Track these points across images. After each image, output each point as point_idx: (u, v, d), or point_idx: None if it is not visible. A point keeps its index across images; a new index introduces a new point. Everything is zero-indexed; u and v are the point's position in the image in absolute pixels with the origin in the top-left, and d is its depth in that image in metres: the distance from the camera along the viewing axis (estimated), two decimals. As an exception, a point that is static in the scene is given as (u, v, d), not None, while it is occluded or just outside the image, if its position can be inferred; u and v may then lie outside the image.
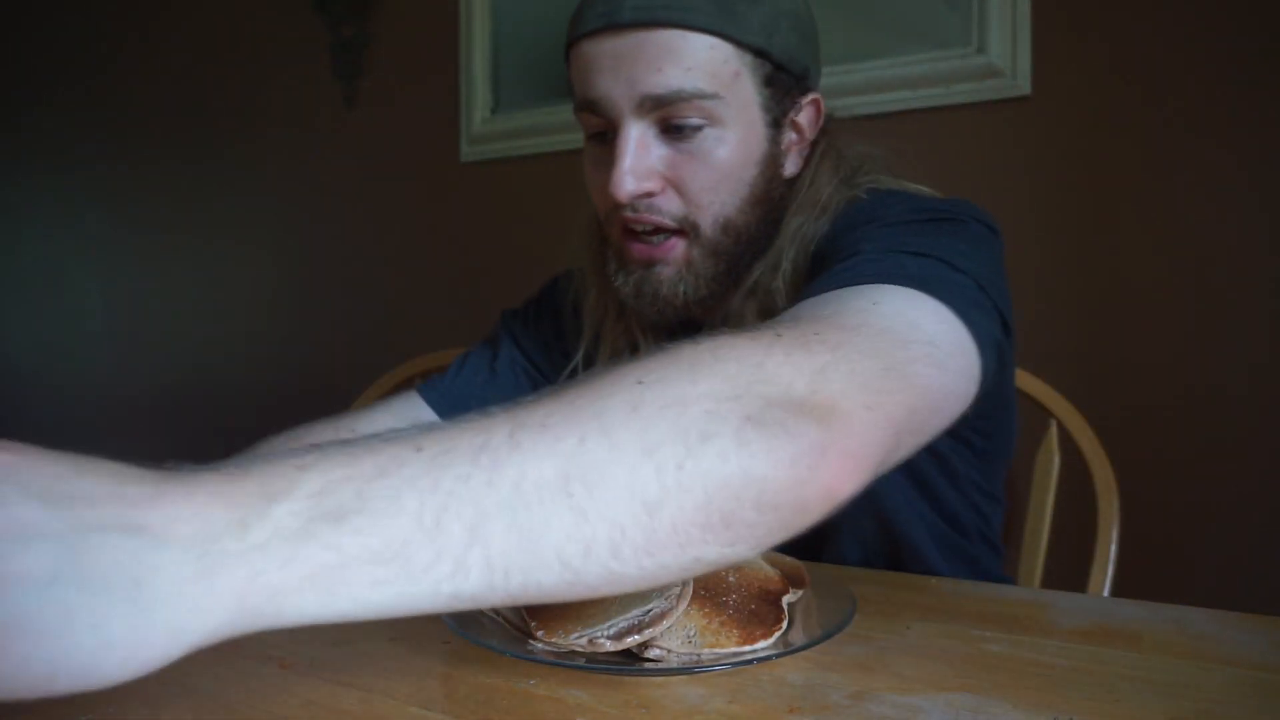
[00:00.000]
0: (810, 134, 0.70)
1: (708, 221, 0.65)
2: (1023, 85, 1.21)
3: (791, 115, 0.68)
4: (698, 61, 0.61)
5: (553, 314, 0.84)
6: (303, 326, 2.02)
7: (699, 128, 0.62)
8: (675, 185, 0.64)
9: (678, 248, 0.66)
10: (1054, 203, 1.21)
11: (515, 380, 0.83)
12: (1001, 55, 1.22)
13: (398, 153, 1.84)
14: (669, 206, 0.65)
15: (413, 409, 0.82)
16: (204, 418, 2.20)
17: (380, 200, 1.87)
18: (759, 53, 0.63)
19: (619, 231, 0.67)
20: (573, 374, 0.78)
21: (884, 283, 0.49)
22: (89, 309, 2.44)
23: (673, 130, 0.63)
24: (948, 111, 1.27)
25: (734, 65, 0.62)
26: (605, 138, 0.66)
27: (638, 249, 0.67)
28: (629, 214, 0.65)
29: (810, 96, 0.69)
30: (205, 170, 2.17)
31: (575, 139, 1.60)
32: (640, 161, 0.63)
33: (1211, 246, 1.13)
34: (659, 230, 0.66)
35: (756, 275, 0.68)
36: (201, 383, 2.21)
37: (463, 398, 0.81)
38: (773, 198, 0.68)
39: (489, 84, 1.69)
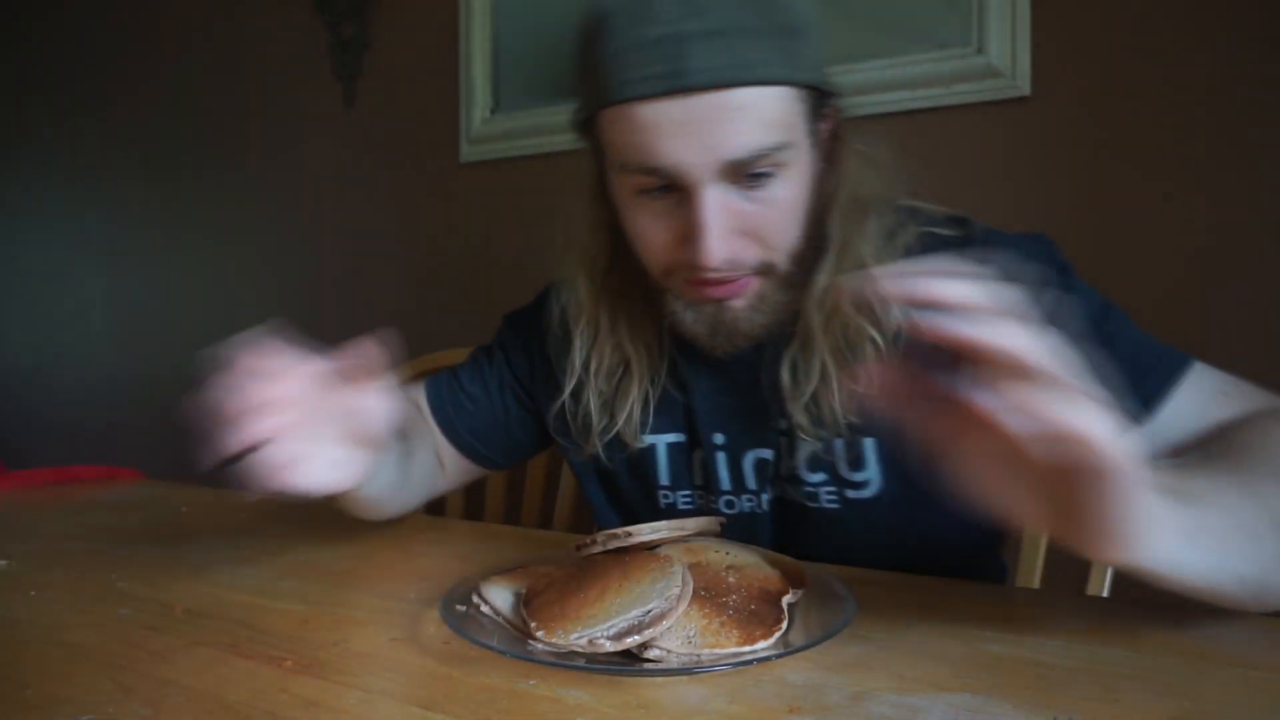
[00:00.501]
0: (826, 133, 0.69)
1: (781, 258, 0.65)
2: (1022, 85, 1.21)
3: (822, 129, 0.67)
4: (772, 116, 0.59)
5: (541, 329, 0.83)
6: (302, 326, 2.01)
7: (771, 176, 0.61)
8: (753, 235, 0.63)
9: (752, 284, 0.65)
10: (1053, 203, 1.21)
11: (504, 403, 0.84)
12: (1001, 55, 1.22)
13: (398, 153, 1.84)
14: (747, 257, 0.63)
15: (417, 393, 0.86)
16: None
17: (380, 200, 1.87)
18: (811, 87, 0.62)
19: (683, 281, 0.66)
20: (574, 394, 0.77)
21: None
22: (91, 308, 2.45)
23: (748, 183, 0.61)
24: (947, 112, 1.27)
25: (796, 108, 0.61)
26: (661, 190, 0.63)
27: (711, 291, 0.65)
28: (711, 275, 0.63)
29: (831, 104, 0.68)
30: (205, 170, 2.17)
31: (574, 139, 1.60)
32: (725, 222, 0.61)
33: (1211, 246, 1.13)
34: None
35: (825, 281, 0.67)
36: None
37: (456, 408, 0.84)
38: (817, 209, 0.67)
39: (489, 84, 1.69)
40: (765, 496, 0.73)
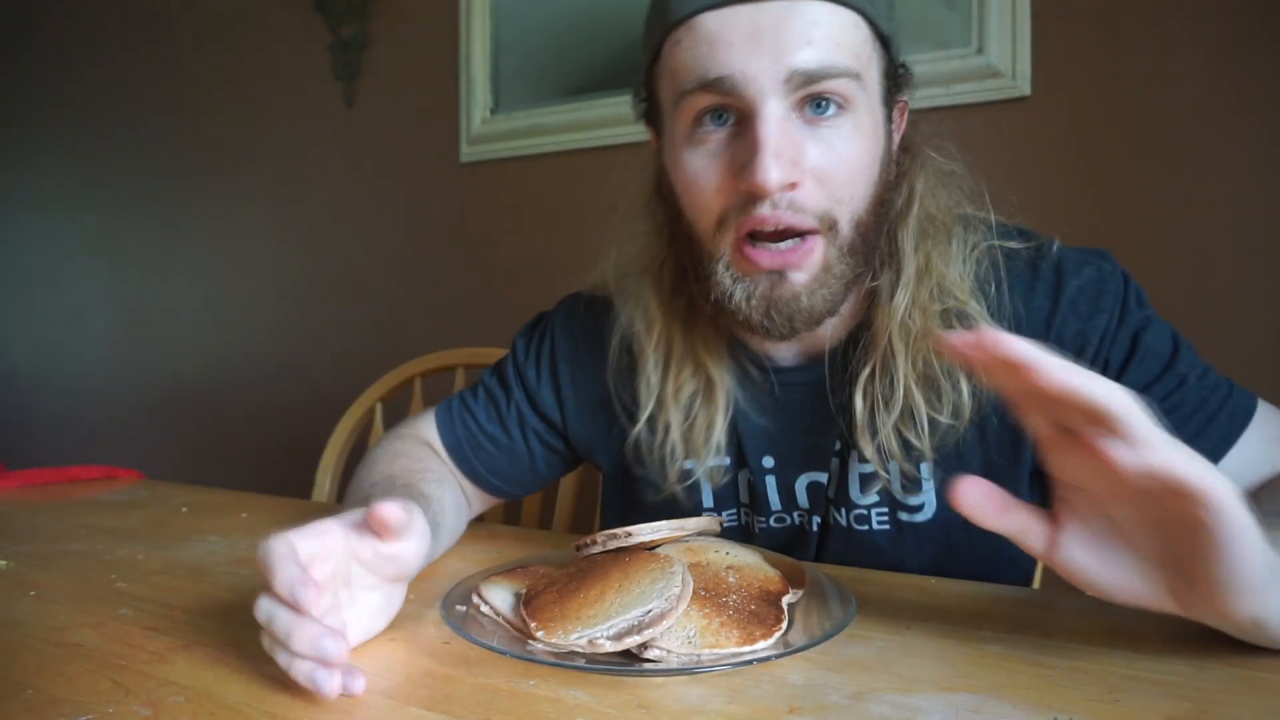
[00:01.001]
0: (898, 137, 0.65)
1: (846, 218, 0.59)
2: (1022, 86, 1.22)
3: (895, 116, 0.63)
4: (845, 37, 0.56)
5: (576, 354, 0.78)
6: (302, 326, 2.02)
7: (839, 112, 0.57)
8: (816, 176, 0.57)
9: (815, 250, 0.58)
10: (1053, 204, 1.21)
11: (527, 444, 0.79)
12: (1001, 56, 1.22)
13: (398, 153, 1.84)
14: (811, 201, 0.57)
15: (427, 429, 0.80)
16: (204, 417, 2.20)
17: (380, 200, 1.88)
18: (884, 41, 0.59)
19: (737, 238, 0.59)
20: (649, 422, 0.70)
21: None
22: (89, 308, 2.45)
23: (811, 115, 0.56)
24: (946, 112, 1.27)
25: (870, 48, 0.58)
26: (719, 120, 0.58)
27: (766, 257, 0.58)
28: (765, 212, 0.56)
29: (903, 98, 0.64)
30: (205, 170, 2.17)
31: (574, 139, 1.60)
32: (786, 147, 0.55)
33: (1211, 247, 1.13)
34: (789, 234, 0.58)
35: (906, 303, 0.63)
36: (201, 382, 2.21)
37: (475, 448, 0.79)
38: (885, 202, 0.62)
39: (489, 84, 1.70)
40: (816, 518, 0.70)
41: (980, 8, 1.23)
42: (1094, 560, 0.42)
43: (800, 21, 0.55)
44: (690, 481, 0.71)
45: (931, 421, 0.62)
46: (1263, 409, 0.61)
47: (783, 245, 0.58)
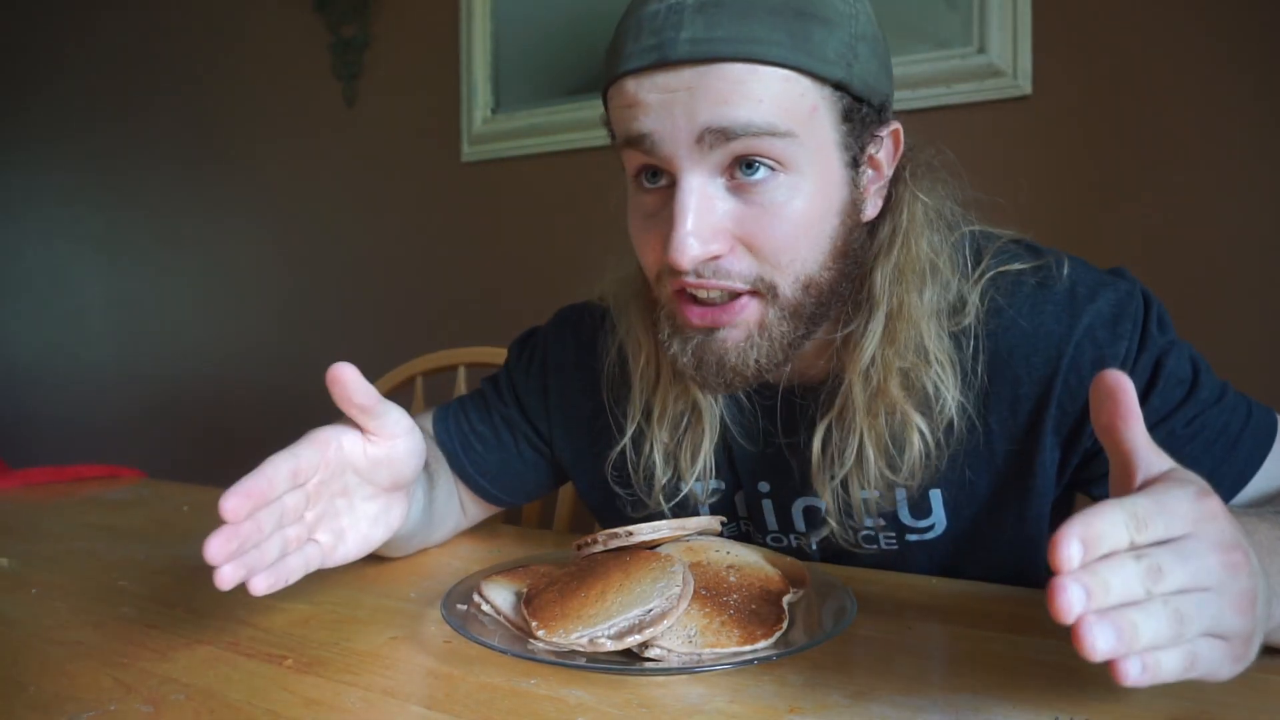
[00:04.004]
0: (888, 170, 0.61)
1: (787, 282, 0.56)
2: (1023, 85, 1.22)
3: (870, 151, 0.59)
4: (769, 94, 0.52)
5: (565, 368, 0.77)
6: (302, 326, 2.02)
7: (771, 174, 0.54)
8: (746, 244, 0.55)
9: (749, 308, 0.57)
10: (1053, 203, 1.21)
11: (517, 448, 0.78)
12: (1002, 55, 1.22)
13: (398, 153, 1.84)
14: (738, 269, 0.55)
15: (425, 426, 0.79)
16: (204, 417, 2.20)
17: (381, 200, 1.88)
18: (837, 85, 0.54)
19: (672, 294, 0.58)
20: (635, 440, 0.69)
21: None
22: (90, 308, 2.45)
23: (740, 180, 0.54)
24: (948, 111, 1.27)
25: (811, 100, 0.54)
26: (653, 178, 0.57)
27: (697, 314, 0.57)
28: (691, 280, 0.56)
29: (890, 128, 0.60)
30: (206, 170, 2.17)
31: (575, 139, 1.60)
32: (704, 219, 0.54)
33: (1211, 247, 1.13)
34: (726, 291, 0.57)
35: (872, 350, 0.60)
36: (203, 381, 2.21)
37: (467, 449, 0.77)
38: (853, 248, 0.59)
39: (489, 84, 1.70)
40: (815, 538, 0.68)
41: (981, 7, 1.23)
42: None
43: (718, 82, 0.52)
44: (678, 499, 0.69)
45: (888, 479, 0.61)
46: None
47: (715, 300, 0.57)
